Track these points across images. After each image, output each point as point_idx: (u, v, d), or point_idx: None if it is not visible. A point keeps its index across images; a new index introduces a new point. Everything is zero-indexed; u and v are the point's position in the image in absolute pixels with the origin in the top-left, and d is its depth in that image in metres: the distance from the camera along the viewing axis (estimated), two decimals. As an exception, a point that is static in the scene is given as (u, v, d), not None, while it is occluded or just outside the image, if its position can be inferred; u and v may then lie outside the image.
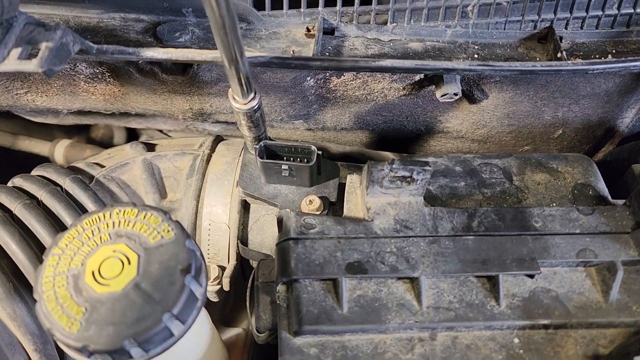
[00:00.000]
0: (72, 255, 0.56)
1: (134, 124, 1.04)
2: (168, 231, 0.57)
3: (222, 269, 0.84)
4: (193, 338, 0.64)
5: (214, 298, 0.88)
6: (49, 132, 1.23)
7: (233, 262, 0.84)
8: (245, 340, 0.97)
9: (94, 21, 0.71)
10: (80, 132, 1.29)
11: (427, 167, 0.68)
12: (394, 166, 0.68)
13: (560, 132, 0.96)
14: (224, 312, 1.02)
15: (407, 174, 0.68)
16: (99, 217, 0.58)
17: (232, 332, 0.97)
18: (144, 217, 0.58)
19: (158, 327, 0.52)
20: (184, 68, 0.74)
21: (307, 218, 0.70)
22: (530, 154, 0.84)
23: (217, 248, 0.84)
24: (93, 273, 0.54)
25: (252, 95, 0.59)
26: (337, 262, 0.67)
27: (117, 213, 0.58)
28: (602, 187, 0.81)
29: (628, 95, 0.92)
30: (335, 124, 0.93)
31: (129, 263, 0.55)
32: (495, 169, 0.81)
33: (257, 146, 0.73)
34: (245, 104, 0.59)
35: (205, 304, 0.76)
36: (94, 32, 0.69)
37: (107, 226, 0.58)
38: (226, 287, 0.84)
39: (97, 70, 0.78)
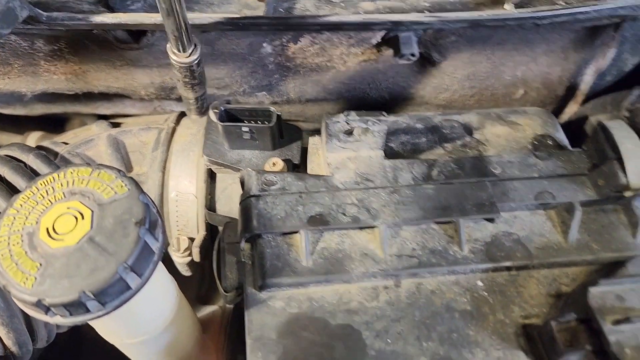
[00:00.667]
0: (27, 214, 0.56)
1: (102, 109, 1.04)
2: (121, 187, 0.57)
3: (192, 240, 0.84)
4: (154, 298, 0.63)
5: (186, 272, 0.88)
6: (21, 126, 1.22)
7: (202, 232, 0.84)
8: (222, 316, 0.96)
9: (47, -5, 0.71)
10: (54, 127, 1.29)
11: (382, 117, 0.69)
12: (349, 117, 0.68)
13: (522, 92, 0.97)
14: (200, 291, 1.01)
15: (362, 124, 0.69)
16: (53, 178, 0.58)
17: (208, 310, 0.97)
18: (98, 175, 0.58)
19: (113, 279, 0.52)
20: (137, 37, 0.74)
21: (268, 176, 0.70)
22: (490, 109, 0.85)
23: (186, 219, 0.84)
24: (47, 230, 0.54)
25: (191, 48, 0.59)
26: (299, 215, 0.67)
27: (72, 172, 0.58)
28: (562, 137, 0.83)
29: (584, 51, 0.93)
30: (299, 94, 0.94)
31: (83, 218, 0.55)
32: (455, 125, 0.82)
33: (218, 110, 0.74)
34: (186, 57, 0.59)
35: (180, 282, 0.76)
36: (46, 6, 0.69)
37: (62, 185, 0.57)
38: (196, 258, 0.84)
39: (56, 47, 0.78)
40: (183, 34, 0.56)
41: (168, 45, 0.59)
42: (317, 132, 0.88)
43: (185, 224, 0.84)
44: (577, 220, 0.68)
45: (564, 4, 0.80)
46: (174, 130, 0.86)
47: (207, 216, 0.81)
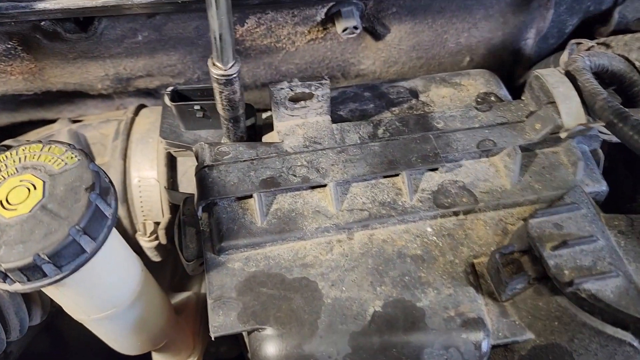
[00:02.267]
0: (-19, 191, 0.58)
1: (66, 113, 1.06)
2: (72, 158, 0.59)
3: (158, 224, 0.86)
4: (115, 267, 0.65)
5: (155, 257, 0.90)
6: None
7: (167, 215, 0.86)
8: (196, 301, 0.98)
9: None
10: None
11: (324, 81, 0.72)
12: (292, 84, 0.71)
13: (468, 59, 1.01)
14: (173, 280, 1.03)
15: (305, 89, 0.72)
16: (5, 156, 0.60)
17: (182, 296, 0.99)
18: (49, 149, 0.60)
19: (66, 241, 0.54)
20: (85, 25, 0.77)
21: (221, 147, 0.73)
22: (435, 74, 0.89)
23: (150, 204, 0.86)
24: (1, 202, 0.56)
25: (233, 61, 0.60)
26: (251, 180, 0.70)
27: (23, 150, 0.61)
28: (505, 93, 0.86)
29: (523, 14, 0.97)
30: (254, 79, 0.97)
31: (35, 189, 0.57)
32: (402, 90, 0.85)
33: (169, 92, 0.77)
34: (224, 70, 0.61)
35: (153, 272, 0.77)
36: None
37: (14, 162, 0.60)
38: (163, 240, 0.86)
39: (9, 46, 0.80)
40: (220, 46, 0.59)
41: (210, 59, 0.62)
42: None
43: (150, 209, 0.86)
44: (518, 163, 0.71)
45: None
46: (133, 120, 0.89)
47: (168, 195, 0.83)
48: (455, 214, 0.70)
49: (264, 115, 0.83)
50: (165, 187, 0.83)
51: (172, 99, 0.77)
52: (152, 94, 1.00)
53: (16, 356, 0.95)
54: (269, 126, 0.82)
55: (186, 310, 0.94)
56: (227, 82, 0.65)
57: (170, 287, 1.00)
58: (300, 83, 0.71)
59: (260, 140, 0.82)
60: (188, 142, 0.81)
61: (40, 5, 0.67)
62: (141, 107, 0.93)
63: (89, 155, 0.60)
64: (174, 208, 0.87)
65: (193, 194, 0.81)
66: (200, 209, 0.69)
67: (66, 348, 1.19)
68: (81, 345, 1.21)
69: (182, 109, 0.77)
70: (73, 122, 0.93)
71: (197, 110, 0.77)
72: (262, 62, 0.94)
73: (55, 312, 1.01)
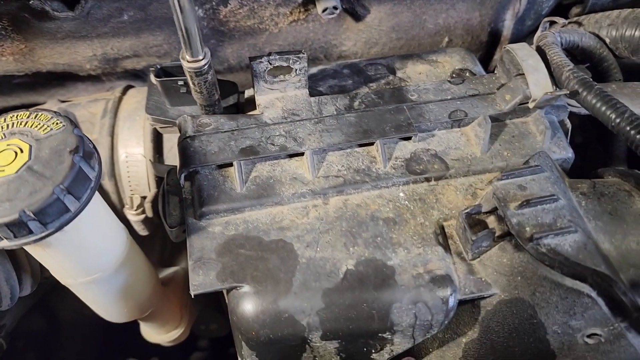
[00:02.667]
0: (-31, 156, 0.61)
1: (57, 96, 1.09)
2: (57, 124, 0.62)
3: (145, 198, 0.89)
4: (99, 230, 0.68)
5: (142, 230, 0.93)
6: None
7: (154, 189, 0.89)
8: (184, 275, 1.01)
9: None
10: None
11: (301, 55, 0.75)
12: (271, 57, 0.74)
13: (447, 39, 1.04)
14: (162, 256, 1.06)
15: (284, 63, 0.75)
16: (-6, 123, 0.64)
17: (170, 270, 1.02)
18: (35, 117, 0.63)
19: (51, 199, 0.57)
20: (72, 4, 0.80)
21: (202, 118, 0.76)
22: (412, 53, 0.92)
23: (138, 179, 0.89)
24: (-11, 165, 0.60)
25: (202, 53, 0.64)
26: (231, 149, 0.73)
27: (11, 117, 0.64)
28: (480, 70, 0.89)
29: (500, -5, 1.00)
30: (238, 60, 1.00)
31: (22, 152, 0.60)
32: (380, 67, 0.88)
33: (154, 69, 0.80)
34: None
35: (143, 245, 0.80)
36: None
37: (2, 128, 0.63)
38: (149, 214, 0.89)
39: (0, 26, 0.84)
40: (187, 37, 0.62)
41: (181, 52, 0.66)
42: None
43: (137, 184, 0.89)
44: (488, 132, 0.74)
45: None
46: (120, 99, 0.92)
47: (153, 168, 0.86)
48: (427, 180, 0.73)
49: (247, 93, 0.86)
50: (150, 160, 0.86)
51: (157, 76, 0.80)
52: (140, 75, 1.03)
53: (9, 330, 0.98)
54: (250, 103, 0.85)
55: (173, 283, 0.97)
56: (199, 73, 0.68)
57: (159, 263, 1.03)
58: (278, 57, 0.74)
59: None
60: (173, 118, 0.84)
61: (28, -17, 0.70)
62: (128, 87, 0.96)
63: (73, 122, 0.63)
64: (160, 182, 0.89)
65: (177, 166, 0.84)
66: (182, 177, 0.72)
67: (59, 328, 1.22)
68: (75, 326, 1.24)
69: (167, 84, 0.80)
70: (62, 102, 0.96)
71: (182, 85, 0.80)
72: (246, 43, 0.97)
73: (48, 290, 1.04)
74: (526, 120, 0.77)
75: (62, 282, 0.72)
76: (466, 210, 0.65)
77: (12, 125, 0.63)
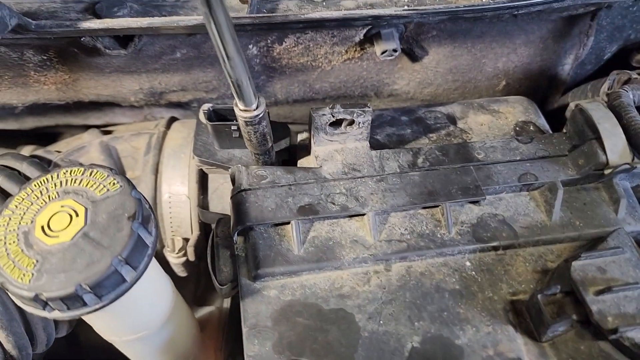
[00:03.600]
0: (22, 214, 0.57)
1: (93, 119, 1.06)
2: (114, 184, 0.59)
3: (187, 240, 0.86)
4: (151, 292, 0.65)
5: (182, 272, 0.90)
6: (13, 142, 1.24)
7: (197, 232, 0.85)
8: (219, 317, 0.98)
9: (35, 6, 0.73)
10: (47, 143, 1.31)
11: (366, 109, 0.71)
12: (334, 110, 0.70)
13: (504, 83, 1.00)
14: (196, 293, 1.03)
15: (347, 116, 0.71)
16: (46, 179, 0.60)
17: (205, 310, 0.98)
18: (90, 174, 0.60)
19: (108, 271, 0.53)
20: (125, 43, 0.76)
21: (258, 170, 0.72)
22: (472, 100, 0.87)
23: (180, 220, 0.85)
24: (42, 228, 0.56)
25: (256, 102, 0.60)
26: (289, 206, 0.69)
27: (64, 173, 0.60)
28: (543, 122, 0.85)
29: (563, 41, 0.96)
30: (286, 95, 0.96)
31: (77, 215, 0.56)
32: (439, 115, 0.84)
33: (206, 110, 0.76)
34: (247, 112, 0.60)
35: (177, 284, 0.77)
36: (36, 15, 0.71)
37: (55, 186, 0.59)
38: (191, 257, 0.85)
39: (45, 57, 0.80)
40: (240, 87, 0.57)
41: (234, 100, 0.61)
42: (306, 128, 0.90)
43: (179, 225, 0.86)
44: (560, 199, 0.70)
45: (538, -7, 0.83)
46: (165, 134, 0.88)
47: (200, 214, 0.83)
48: (495, 248, 0.69)
49: (299, 137, 0.82)
50: (197, 205, 0.83)
51: (209, 118, 0.76)
52: (182, 105, 0.99)
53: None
54: (304, 147, 0.81)
55: (209, 326, 0.94)
56: (252, 122, 0.64)
57: (193, 301, 1.00)
58: (342, 110, 0.70)
59: (295, 161, 0.81)
60: (222, 161, 0.80)
61: (85, 25, 0.66)
62: (172, 120, 0.92)
63: (130, 182, 0.59)
64: (203, 225, 0.86)
65: (227, 215, 0.80)
66: (236, 233, 0.69)
67: (82, 353, 1.19)
68: (97, 351, 1.21)
69: (219, 128, 0.77)
70: (102, 132, 0.92)
71: (234, 130, 0.76)
72: (296, 79, 0.93)
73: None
74: (599, 186, 0.73)
75: (106, 338, 0.69)
76: (542, 292, 0.61)
77: (66, 183, 0.59)
